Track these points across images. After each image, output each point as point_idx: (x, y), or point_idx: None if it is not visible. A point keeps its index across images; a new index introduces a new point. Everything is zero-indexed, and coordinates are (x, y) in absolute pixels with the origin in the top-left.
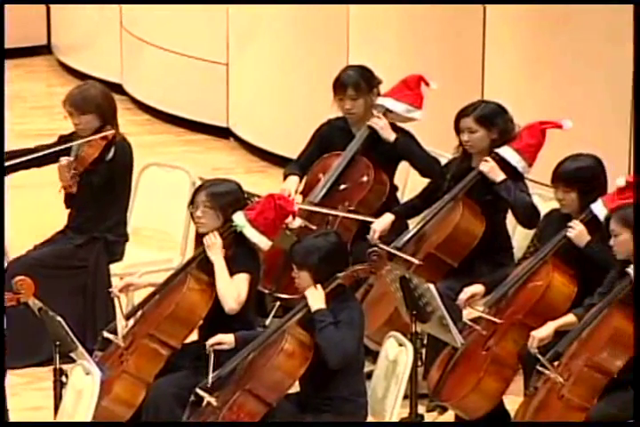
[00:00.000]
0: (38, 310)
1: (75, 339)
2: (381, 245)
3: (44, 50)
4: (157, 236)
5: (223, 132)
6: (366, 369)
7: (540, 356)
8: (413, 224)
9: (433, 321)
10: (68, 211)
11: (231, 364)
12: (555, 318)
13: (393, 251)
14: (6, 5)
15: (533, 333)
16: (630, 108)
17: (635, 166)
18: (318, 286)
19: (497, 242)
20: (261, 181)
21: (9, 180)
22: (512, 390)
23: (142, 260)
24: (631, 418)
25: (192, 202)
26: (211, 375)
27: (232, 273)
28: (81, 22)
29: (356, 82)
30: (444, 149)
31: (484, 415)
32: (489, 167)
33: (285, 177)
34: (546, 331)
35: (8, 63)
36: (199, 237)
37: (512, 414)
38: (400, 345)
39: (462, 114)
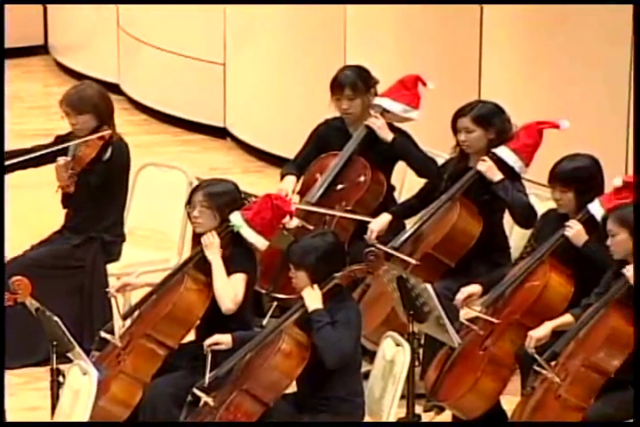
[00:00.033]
0: (35, 310)
1: (72, 339)
2: (379, 245)
3: (41, 50)
4: (154, 236)
5: (220, 133)
6: (363, 369)
7: (537, 356)
8: (410, 224)
9: (430, 321)
10: (65, 211)
11: (228, 364)
12: (552, 318)
13: (390, 251)
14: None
15: (531, 333)
16: (627, 109)
17: (635, 166)
18: (315, 286)
19: (494, 242)
20: (258, 181)
21: (6, 180)
22: (509, 390)
23: (139, 260)
24: (628, 418)
25: (189, 202)
26: (208, 375)
27: (229, 273)
28: (78, 22)
29: (354, 82)
30: (441, 149)
31: (481, 415)
32: (486, 167)
33: (282, 177)
34: (543, 331)
35: (5, 63)
36: (196, 237)
37: (509, 414)
38: (397, 345)
39: (459, 114)
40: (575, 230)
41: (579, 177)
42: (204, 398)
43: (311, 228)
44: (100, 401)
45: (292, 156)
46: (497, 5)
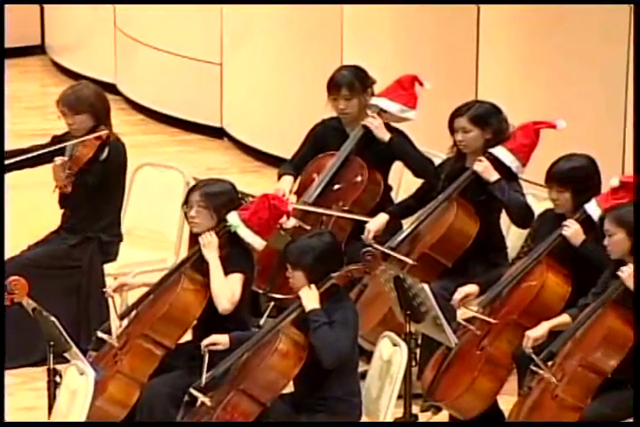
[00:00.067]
0: (32, 311)
1: (69, 339)
2: (376, 245)
3: (38, 50)
4: (151, 236)
5: (217, 133)
6: (360, 369)
7: (534, 356)
8: (407, 224)
9: (427, 321)
10: (62, 211)
11: (225, 364)
12: (549, 318)
13: (387, 251)
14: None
15: (528, 332)
16: (624, 108)
17: (635, 166)
18: (312, 285)
19: (491, 242)
20: (255, 181)
21: (5, 180)
22: (506, 390)
23: (136, 260)
24: (625, 418)
25: (186, 202)
26: (205, 375)
27: (226, 273)
28: (75, 22)
29: (350, 82)
30: (438, 149)
31: (478, 415)
32: (483, 167)
33: (279, 177)
34: (540, 331)
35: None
36: (193, 237)
37: (506, 414)
38: (394, 345)
39: (456, 114)
40: (573, 230)
41: (575, 177)
42: (201, 398)
43: (308, 228)
44: (96, 401)
45: (289, 156)
46: (494, 5)
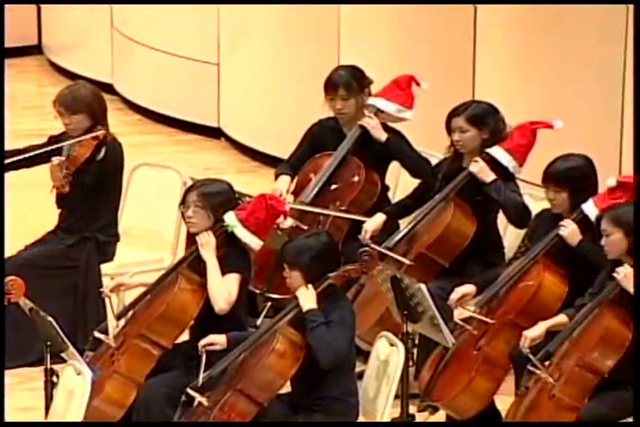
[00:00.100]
0: (29, 311)
1: (66, 339)
2: (373, 245)
3: (35, 50)
4: (148, 236)
5: (214, 132)
6: (357, 369)
7: (531, 355)
8: (404, 224)
9: (424, 321)
10: (59, 211)
11: (222, 364)
12: (546, 318)
13: (384, 251)
14: None
15: (525, 332)
16: (621, 108)
17: (635, 166)
18: (309, 285)
19: (488, 242)
20: (252, 181)
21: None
22: (503, 390)
23: (133, 260)
24: (622, 418)
25: (183, 202)
26: (202, 375)
27: (223, 273)
28: (71, 22)
29: (347, 82)
30: (434, 149)
31: (475, 415)
32: (478, 168)
33: (276, 177)
34: (538, 331)
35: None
36: (190, 237)
37: (503, 414)
38: (391, 345)
39: (454, 113)
40: (570, 230)
41: (572, 177)
42: (198, 398)
43: (305, 228)
44: (93, 401)
45: (286, 156)
46: (491, 5)
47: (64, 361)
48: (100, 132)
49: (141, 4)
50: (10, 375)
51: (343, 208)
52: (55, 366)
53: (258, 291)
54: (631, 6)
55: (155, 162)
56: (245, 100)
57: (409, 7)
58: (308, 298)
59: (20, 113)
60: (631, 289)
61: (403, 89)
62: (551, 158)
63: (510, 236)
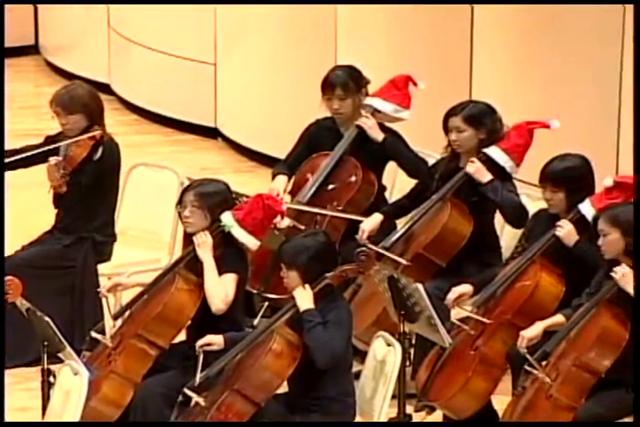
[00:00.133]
0: (26, 311)
1: (63, 339)
2: (370, 245)
3: (32, 50)
4: (145, 236)
5: (211, 133)
6: (354, 369)
7: (528, 355)
8: (401, 224)
9: (421, 321)
10: (56, 211)
11: (219, 364)
12: (543, 318)
13: (381, 251)
14: None
15: (522, 332)
16: (618, 108)
17: (634, 166)
18: (307, 285)
19: (485, 242)
20: (250, 181)
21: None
22: (500, 390)
23: (130, 260)
24: (619, 418)
25: (180, 202)
26: (199, 375)
27: (220, 273)
28: (68, 22)
29: (345, 82)
30: (432, 149)
31: (472, 415)
32: (475, 168)
33: (274, 177)
34: (535, 331)
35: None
36: (187, 238)
37: (500, 413)
38: (388, 345)
39: (451, 113)
40: (566, 230)
41: (569, 177)
42: (195, 398)
43: (302, 227)
44: (90, 401)
45: (283, 156)
46: (488, 5)
47: (61, 361)
48: (97, 133)
49: (138, 4)
50: (7, 375)
51: (340, 208)
52: (52, 367)
53: (255, 291)
54: (629, 6)
55: (152, 162)
56: (242, 101)
57: (406, 7)
58: (305, 298)
59: (18, 113)
60: (629, 289)
61: (400, 89)
62: (548, 158)
63: (507, 236)
